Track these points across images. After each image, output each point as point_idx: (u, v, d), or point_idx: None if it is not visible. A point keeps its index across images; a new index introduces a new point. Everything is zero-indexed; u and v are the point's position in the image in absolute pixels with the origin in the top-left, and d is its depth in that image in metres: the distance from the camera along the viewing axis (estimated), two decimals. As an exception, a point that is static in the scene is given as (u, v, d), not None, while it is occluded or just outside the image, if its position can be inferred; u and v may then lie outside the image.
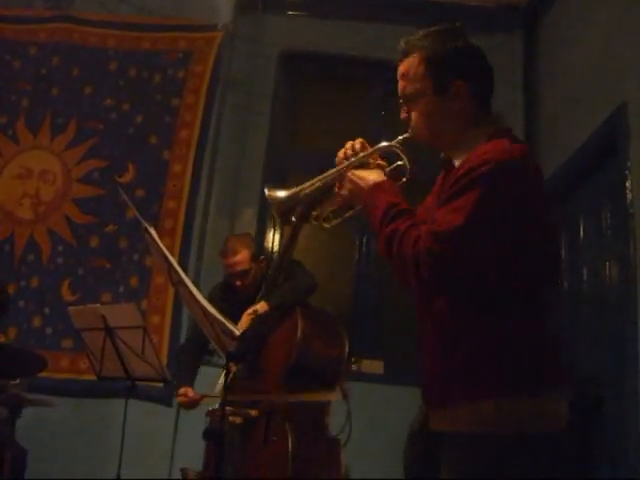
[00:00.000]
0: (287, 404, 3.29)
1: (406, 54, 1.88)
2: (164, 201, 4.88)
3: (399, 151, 1.91)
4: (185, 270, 3.80)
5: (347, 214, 1.97)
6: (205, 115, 5.03)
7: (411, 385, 4.53)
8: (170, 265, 2.86)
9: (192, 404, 3.54)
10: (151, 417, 4.40)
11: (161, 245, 2.89)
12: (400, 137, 1.91)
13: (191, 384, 3.62)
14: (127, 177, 4.93)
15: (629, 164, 3.47)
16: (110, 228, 4.83)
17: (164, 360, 4.08)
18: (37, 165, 5.02)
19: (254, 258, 3.68)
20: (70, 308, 3.64)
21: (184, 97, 5.08)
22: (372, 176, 1.88)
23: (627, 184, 3.46)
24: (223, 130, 5.12)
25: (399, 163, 1.94)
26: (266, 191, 1.92)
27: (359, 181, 1.88)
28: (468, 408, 1.74)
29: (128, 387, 3.54)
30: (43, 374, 3.60)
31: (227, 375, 2.92)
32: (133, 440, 3.65)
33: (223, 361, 2.93)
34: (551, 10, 4.85)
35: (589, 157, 3.99)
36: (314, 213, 1.96)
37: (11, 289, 4.71)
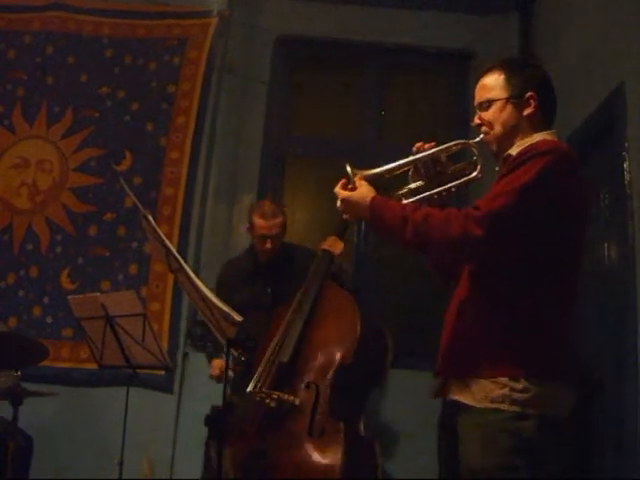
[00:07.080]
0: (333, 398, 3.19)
1: (488, 71, 2.17)
2: (162, 188, 4.86)
3: (474, 148, 2.14)
4: (184, 256, 3.80)
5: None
6: (201, 101, 5.01)
7: (414, 368, 4.58)
8: (169, 252, 2.87)
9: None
10: (152, 404, 4.41)
11: (160, 232, 2.89)
12: (477, 138, 2.15)
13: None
14: (124, 165, 4.92)
15: (627, 145, 3.46)
16: (108, 216, 4.83)
17: (165, 347, 4.08)
18: (34, 154, 5.00)
19: (284, 227, 3.83)
20: (70, 297, 3.64)
21: (180, 84, 5.06)
22: (365, 192, 2.08)
23: (625, 165, 3.45)
24: (220, 116, 5.09)
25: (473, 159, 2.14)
26: (348, 168, 2.14)
27: (357, 199, 2.08)
28: (489, 383, 1.94)
29: (129, 375, 3.56)
30: (44, 363, 3.61)
31: (227, 362, 2.92)
32: (135, 428, 3.66)
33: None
34: (547, -9, 4.82)
35: (587, 138, 3.97)
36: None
37: (11, 279, 4.73)
